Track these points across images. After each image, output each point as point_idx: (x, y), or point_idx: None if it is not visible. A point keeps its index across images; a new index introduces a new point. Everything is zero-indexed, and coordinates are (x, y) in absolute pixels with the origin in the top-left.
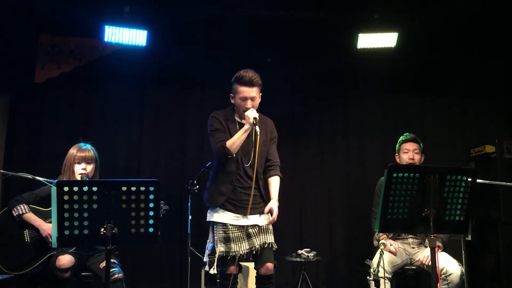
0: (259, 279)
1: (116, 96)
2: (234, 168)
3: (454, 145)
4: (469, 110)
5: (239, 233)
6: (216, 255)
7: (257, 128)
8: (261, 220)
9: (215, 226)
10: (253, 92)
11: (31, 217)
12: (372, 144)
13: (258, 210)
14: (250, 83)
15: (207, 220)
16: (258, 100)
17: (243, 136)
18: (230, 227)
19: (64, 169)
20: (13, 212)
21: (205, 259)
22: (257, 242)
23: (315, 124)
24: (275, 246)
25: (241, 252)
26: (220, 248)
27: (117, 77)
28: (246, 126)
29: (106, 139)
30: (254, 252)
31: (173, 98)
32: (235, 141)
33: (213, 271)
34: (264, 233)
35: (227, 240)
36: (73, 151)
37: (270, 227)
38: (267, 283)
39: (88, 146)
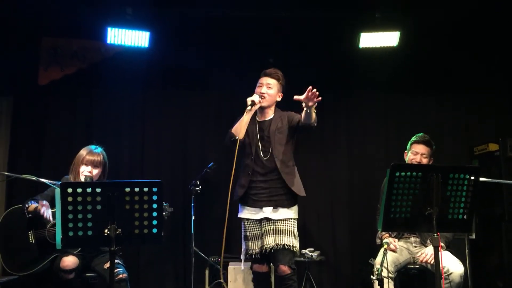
0: (277, 279)
1: (119, 97)
2: (249, 160)
3: (457, 144)
4: (472, 108)
5: (255, 231)
6: (242, 252)
7: (249, 110)
8: (276, 214)
9: (241, 223)
10: (269, 80)
11: (33, 206)
12: (375, 143)
13: (274, 203)
14: (268, 74)
15: (238, 216)
16: (274, 92)
17: (242, 117)
18: (247, 224)
19: (71, 169)
20: (24, 207)
21: (242, 256)
22: (267, 241)
23: (317, 123)
24: (290, 247)
25: (256, 250)
26: (243, 245)
27: (120, 78)
28: (247, 109)
29: (108, 141)
30: (263, 251)
31: (175, 99)
32: (236, 125)
33: (242, 267)
34: (279, 234)
35: (245, 238)
36: (83, 152)
37: (291, 228)
38: (284, 284)
39: (99, 150)
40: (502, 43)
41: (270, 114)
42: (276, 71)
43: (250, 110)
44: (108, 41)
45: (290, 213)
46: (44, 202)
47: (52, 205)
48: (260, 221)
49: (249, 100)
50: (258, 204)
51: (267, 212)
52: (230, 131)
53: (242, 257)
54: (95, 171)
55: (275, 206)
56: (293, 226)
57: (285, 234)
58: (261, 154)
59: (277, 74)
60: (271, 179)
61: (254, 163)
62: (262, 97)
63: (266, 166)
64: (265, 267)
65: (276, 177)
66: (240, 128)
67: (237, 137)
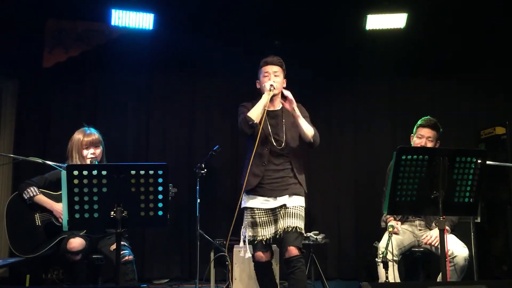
0: (285, 262)
1: (124, 80)
2: (264, 149)
3: (464, 127)
4: (479, 92)
5: (266, 218)
6: (246, 240)
7: (274, 91)
8: (290, 201)
9: (245, 212)
10: (275, 68)
11: (42, 199)
12: (381, 125)
13: (289, 191)
14: (271, 62)
15: (241, 206)
16: (281, 80)
17: (261, 102)
18: (257, 211)
19: (71, 154)
20: (24, 195)
21: (241, 244)
22: (281, 225)
23: (323, 106)
24: (300, 230)
25: (267, 236)
26: (248, 233)
27: (125, 61)
28: (264, 94)
29: (113, 123)
30: (277, 236)
31: (180, 82)
32: (254, 109)
33: (247, 255)
34: (290, 216)
35: (254, 224)
36: (79, 136)
37: (302, 213)
38: (292, 266)
39: (93, 130)
40: (510, 25)
41: (278, 103)
42: (277, 58)
43: (269, 93)
44: (112, 23)
45: (302, 201)
46: (59, 206)
47: (51, 188)
48: (273, 208)
49: (267, 85)
50: (273, 194)
51: (282, 200)
52: (246, 116)
53: (241, 244)
54: (98, 151)
55: (291, 194)
56: (303, 212)
57: (296, 218)
58: (274, 143)
59: (280, 60)
60: (285, 168)
61: (268, 151)
62: (273, 88)
63: (280, 155)
64: (268, 255)
65: (290, 167)
66: (256, 112)
67: (255, 121)
